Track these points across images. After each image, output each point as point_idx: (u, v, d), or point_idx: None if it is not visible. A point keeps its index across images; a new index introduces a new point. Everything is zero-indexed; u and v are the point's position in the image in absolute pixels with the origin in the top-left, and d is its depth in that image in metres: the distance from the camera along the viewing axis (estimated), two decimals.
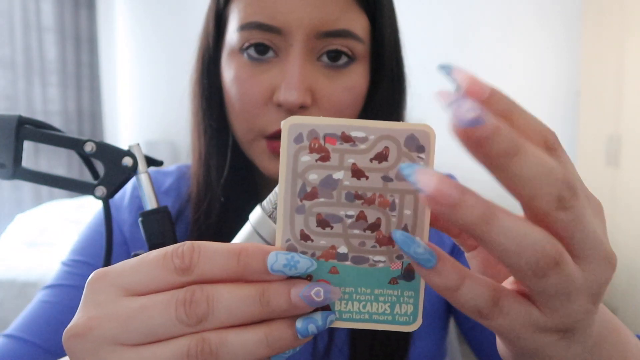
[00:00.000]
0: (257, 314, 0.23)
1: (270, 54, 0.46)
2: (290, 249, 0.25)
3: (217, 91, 0.51)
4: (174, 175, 0.61)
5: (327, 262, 0.25)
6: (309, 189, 0.24)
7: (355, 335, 0.51)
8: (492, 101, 0.21)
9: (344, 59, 0.47)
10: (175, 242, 0.41)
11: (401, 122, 0.24)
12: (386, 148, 0.24)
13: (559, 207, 0.20)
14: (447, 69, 0.22)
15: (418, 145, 0.24)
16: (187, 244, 0.24)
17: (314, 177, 0.24)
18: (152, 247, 0.40)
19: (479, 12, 2.95)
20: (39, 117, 2.86)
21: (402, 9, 0.55)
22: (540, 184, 0.20)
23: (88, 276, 0.52)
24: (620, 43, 2.15)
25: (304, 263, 0.24)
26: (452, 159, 3.16)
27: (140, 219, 0.40)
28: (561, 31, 2.84)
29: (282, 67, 0.46)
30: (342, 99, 0.47)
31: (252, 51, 0.46)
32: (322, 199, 0.24)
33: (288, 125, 0.24)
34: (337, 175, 0.24)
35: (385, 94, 0.51)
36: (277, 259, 0.23)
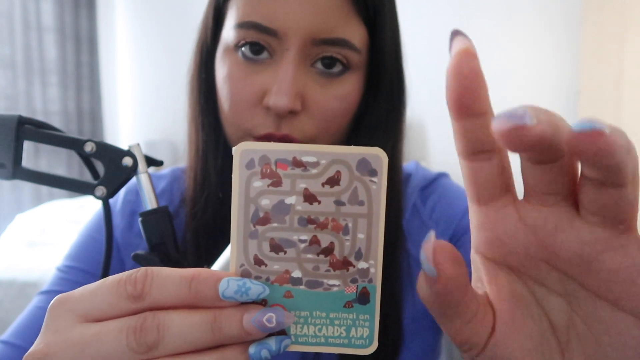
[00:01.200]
0: (209, 341, 0.23)
1: (265, 54, 0.46)
2: (245, 273, 0.25)
3: (214, 86, 0.51)
4: (167, 179, 0.61)
5: (282, 286, 0.25)
6: (261, 214, 0.25)
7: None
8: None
9: (338, 67, 0.47)
10: (175, 242, 0.41)
11: (352, 146, 0.25)
12: (338, 172, 0.24)
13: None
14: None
15: (370, 169, 0.24)
16: (142, 270, 0.24)
17: (266, 202, 0.25)
18: (152, 247, 0.40)
19: (478, 11, 2.95)
20: (39, 117, 2.86)
21: (401, 8, 0.54)
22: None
23: (82, 282, 0.53)
24: (620, 43, 2.15)
25: (255, 289, 0.24)
26: (452, 160, 3.15)
27: (140, 219, 0.40)
28: (561, 31, 2.84)
29: (275, 70, 0.46)
30: (333, 107, 0.47)
31: (247, 50, 0.46)
32: (275, 224, 0.25)
33: (240, 151, 0.24)
34: (290, 200, 0.24)
35: (384, 105, 0.51)
36: (228, 285, 0.23)
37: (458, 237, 0.56)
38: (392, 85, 0.51)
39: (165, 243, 0.40)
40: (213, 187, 0.53)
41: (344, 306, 0.25)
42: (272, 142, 0.25)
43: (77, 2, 3.14)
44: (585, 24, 2.48)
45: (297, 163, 0.24)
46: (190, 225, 0.53)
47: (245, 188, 0.24)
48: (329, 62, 0.46)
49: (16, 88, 2.80)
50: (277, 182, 0.24)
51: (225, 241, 0.33)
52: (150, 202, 0.41)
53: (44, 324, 0.25)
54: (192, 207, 0.53)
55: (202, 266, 0.42)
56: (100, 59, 3.34)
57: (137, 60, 3.44)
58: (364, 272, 0.25)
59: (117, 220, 0.57)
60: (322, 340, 0.25)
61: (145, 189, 0.41)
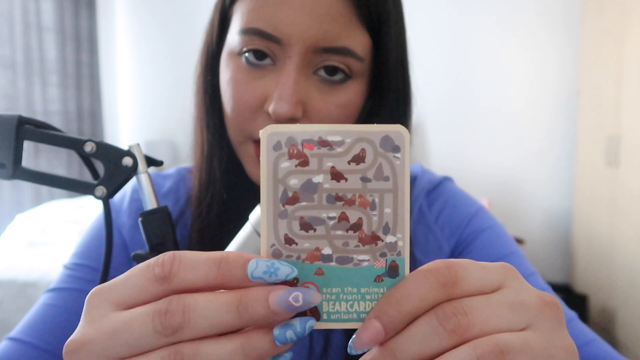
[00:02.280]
0: (235, 323, 0.23)
1: (268, 61, 0.46)
2: (276, 253, 0.25)
3: (219, 88, 0.52)
4: (173, 178, 0.61)
5: (313, 264, 0.26)
6: (290, 194, 0.25)
7: (350, 337, 0.51)
8: (388, 327, 0.24)
9: (340, 75, 0.47)
10: (175, 242, 0.41)
11: (375, 124, 0.25)
12: (363, 150, 0.25)
13: (460, 335, 0.23)
14: (352, 350, 0.25)
15: (393, 146, 0.25)
16: (169, 253, 0.24)
17: (294, 182, 0.25)
18: (152, 247, 0.40)
19: (479, 11, 2.95)
20: (39, 117, 2.86)
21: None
22: (428, 347, 0.23)
23: (90, 279, 0.52)
24: (620, 43, 2.15)
25: (284, 270, 0.24)
26: (451, 162, 3.16)
27: (140, 219, 0.40)
28: (561, 31, 2.84)
29: (277, 76, 0.46)
30: (334, 114, 0.47)
31: (250, 56, 0.46)
32: (303, 203, 0.25)
33: (267, 134, 0.25)
34: (317, 179, 0.25)
35: (389, 112, 0.51)
36: (257, 265, 0.24)
37: (465, 245, 0.56)
38: (398, 91, 0.51)
39: (165, 243, 0.40)
40: (218, 188, 0.53)
41: (374, 280, 0.26)
42: (298, 124, 0.25)
43: (77, 2, 3.14)
44: (585, 24, 2.48)
45: (323, 143, 0.25)
46: (195, 226, 0.53)
47: (273, 169, 0.25)
48: (331, 70, 0.46)
49: (16, 88, 2.80)
50: (304, 162, 0.25)
51: (230, 240, 0.33)
52: (150, 202, 0.41)
53: (82, 314, 0.25)
54: (198, 207, 0.53)
55: None
56: (100, 59, 3.34)
57: (137, 60, 3.44)
58: (392, 246, 0.25)
59: (124, 219, 0.57)
60: (355, 316, 0.26)
61: (145, 189, 0.41)
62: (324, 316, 0.26)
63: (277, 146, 0.25)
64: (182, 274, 0.23)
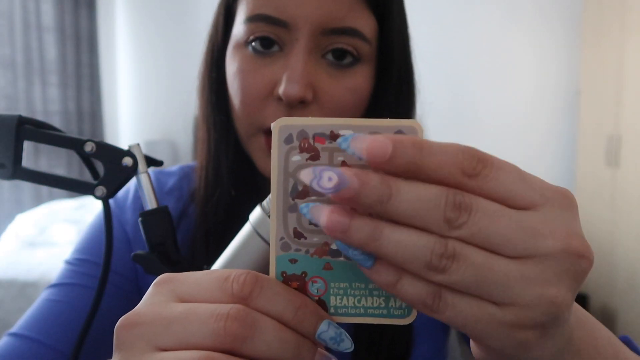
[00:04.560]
0: (285, 358, 0.24)
1: (275, 48, 0.46)
2: (284, 247, 0.25)
3: (225, 84, 0.51)
4: (176, 176, 0.61)
5: (321, 258, 0.25)
6: (300, 188, 0.25)
7: (358, 339, 0.51)
8: (396, 156, 0.21)
9: (348, 59, 0.46)
10: (175, 242, 0.41)
11: (388, 119, 0.25)
12: None
13: (451, 227, 0.21)
14: (345, 143, 0.22)
15: None
16: (252, 274, 0.24)
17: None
18: (152, 247, 0.40)
19: (479, 11, 2.95)
20: (39, 117, 2.86)
21: None
22: (424, 215, 0.21)
23: (93, 274, 0.52)
24: (620, 43, 2.15)
25: (346, 344, 0.25)
26: None
27: (140, 219, 0.40)
28: (561, 31, 2.84)
29: (286, 60, 0.45)
30: (344, 99, 0.47)
31: (257, 44, 0.46)
32: (313, 197, 0.25)
33: (278, 127, 0.25)
34: None
35: (392, 99, 0.51)
36: (327, 329, 0.24)
37: None
38: (401, 78, 0.51)
39: (165, 243, 0.40)
40: (225, 186, 0.52)
41: None
42: (310, 117, 0.25)
43: (77, 2, 3.14)
44: (585, 24, 2.48)
45: (334, 137, 0.25)
46: (201, 226, 0.53)
47: (284, 163, 0.25)
48: (340, 53, 0.46)
49: (16, 88, 2.80)
50: (315, 156, 0.25)
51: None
52: (150, 202, 0.41)
53: (145, 296, 0.25)
54: (204, 207, 0.53)
55: (202, 267, 0.42)
56: (100, 59, 3.34)
57: (137, 60, 3.44)
58: None
59: (128, 215, 0.57)
60: (362, 311, 0.26)
61: (145, 189, 0.41)
62: (332, 310, 0.26)
63: (288, 139, 0.25)
64: (260, 302, 0.24)
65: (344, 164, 0.25)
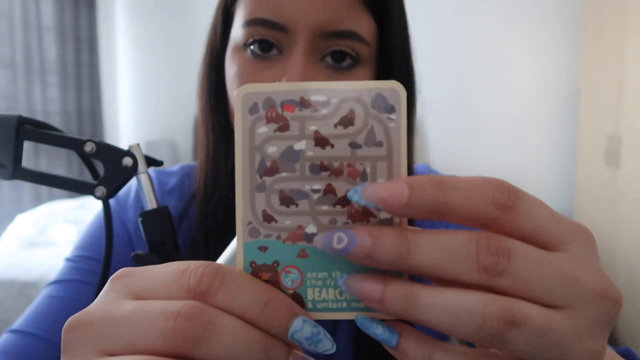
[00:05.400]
0: None
1: (274, 51, 0.46)
2: (253, 232, 0.22)
3: (224, 87, 0.51)
4: (177, 175, 0.61)
5: (295, 244, 0.22)
6: (268, 164, 0.22)
7: (360, 339, 0.51)
8: (415, 199, 0.19)
9: (348, 61, 0.46)
10: (175, 242, 0.41)
11: (366, 81, 0.22)
12: (351, 111, 0.22)
13: (490, 275, 0.19)
14: (356, 195, 0.20)
15: (387, 106, 0.22)
16: (211, 266, 0.21)
17: (273, 149, 0.22)
18: (152, 247, 0.40)
19: (479, 11, 2.94)
20: (39, 117, 2.86)
21: None
22: (452, 265, 0.19)
23: (94, 271, 0.52)
24: (620, 43, 2.15)
25: (325, 344, 0.21)
26: (452, 159, 3.15)
27: (140, 219, 0.40)
28: (561, 31, 2.84)
29: (285, 64, 0.45)
30: None
31: (255, 48, 0.46)
32: (284, 174, 0.22)
33: (241, 95, 0.22)
34: (299, 145, 0.22)
35: None
36: (302, 327, 0.21)
37: None
38: (401, 79, 0.51)
39: (165, 243, 0.40)
40: (224, 188, 0.53)
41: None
42: (277, 83, 0.22)
43: (77, 2, 3.14)
44: (585, 24, 2.48)
45: (305, 103, 0.22)
46: (200, 227, 0.53)
47: (249, 136, 0.22)
48: (339, 56, 0.46)
49: (16, 88, 2.80)
50: (284, 127, 0.22)
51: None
52: (150, 202, 0.41)
53: (101, 292, 0.23)
54: (203, 208, 0.53)
55: None
56: (100, 59, 3.34)
57: (137, 60, 3.44)
58: (387, 223, 0.22)
59: (130, 214, 0.57)
60: (344, 305, 0.22)
61: (145, 189, 0.41)
62: (309, 305, 0.22)
63: (253, 109, 0.22)
64: (220, 297, 0.21)
65: (317, 133, 0.22)
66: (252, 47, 0.46)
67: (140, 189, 0.41)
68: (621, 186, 2.15)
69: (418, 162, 0.64)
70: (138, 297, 0.22)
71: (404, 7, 0.52)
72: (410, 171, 0.54)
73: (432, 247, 0.19)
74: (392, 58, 0.49)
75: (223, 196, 0.53)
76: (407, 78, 0.52)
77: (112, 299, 0.22)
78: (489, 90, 2.95)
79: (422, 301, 0.19)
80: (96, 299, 0.23)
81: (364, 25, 0.46)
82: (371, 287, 0.20)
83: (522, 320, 0.19)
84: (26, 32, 2.84)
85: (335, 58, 0.46)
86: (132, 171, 0.40)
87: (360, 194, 0.20)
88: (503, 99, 2.94)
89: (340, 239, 0.20)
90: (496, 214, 0.20)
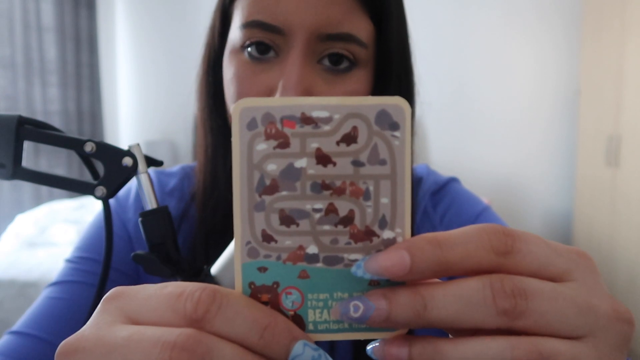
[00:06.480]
0: None
1: (271, 53, 0.46)
2: (252, 253, 0.22)
3: (223, 88, 0.51)
4: (177, 176, 0.61)
5: (295, 265, 0.22)
6: (268, 182, 0.21)
7: (359, 342, 0.51)
8: (418, 264, 0.20)
9: (345, 64, 0.46)
10: (175, 242, 0.41)
11: (369, 97, 0.21)
12: (354, 128, 0.21)
13: (511, 317, 0.19)
14: (359, 270, 0.21)
15: (391, 122, 0.21)
16: (209, 290, 0.20)
17: (272, 167, 0.21)
18: (152, 247, 0.40)
19: (479, 12, 2.95)
20: (39, 117, 2.86)
21: None
22: (471, 313, 0.19)
23: (94, 271, 0.52)
24: (620, 43, 2.15)
25: None
26: (452, 160, 3.15)
27: (140, 219, 0.40)
28: (561, 31, 2.84)
29: (282, 67, 0.45)
30: None
31: (253, 50, 0.46)
32: (284, 193, 0.21)
33: (239, 110, 0.21)
34: (300, 163, 0.21)
35: None
36: (303, 352, 0.20)
37: None
38: (400, 82, 0.51)
39: (165, 243, 0.40)
40: (222, 190, 0.53)
41: (369, 284, 0.22)
42: (277, 97, 0.22)
43: (77, 2, 3.14)
44: (585, 24, 2.48)
45: (306, 119, 0.21)
46: (200, 228, 0.53)
47: (247, 153, 0.21)
48: (336, 58, 0.46)
49: (16, 88, 2.80)
50: (284, 143, 0.21)
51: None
52: (150, 202, 0.41)
53: (93, 314, 0.22)
54: (202, 210, 0.53)
55: (201, 267, 0.42)
56: (100, 59, 3.34)
57: (137, 60, 3.44)
58: (390, 243, 0.21)
59: (130, 214, 0.57)
60: (346, 325, 0.22)
61: (145, 189, 0.41)
62: (310, 326, 0.22)
63: (251, 124, 0.21)
64: (218, 324, 0.20)
65: (318, 151, 0.21)
66: (249, 49, 0.46)
67: (140, 189, 0.41)
68: (621, 186, 2.15)
69: (418, 162, 0.64)
70: (132, 320, 0.21)
71: (404, 9, 0.52)
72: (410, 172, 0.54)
73: (447, 300, 0.20)
74: (390, 60, 0.49)
75: (222, 197, 0.53)
76: (405, 78, 0.52)
77: (105, 323, 0.21)
78: (489, 91, 2.95)
79: (449, 356, 0.20)
80: (89, 321, 0.22)
81: (362, 28, 0.46)
82: (397, 351, 0.20)
83: (551, 358, 0.19)
84: (26, 32, 2.84)
85: (333, 60, 0.46)
86: (132, 171, 0.40)
87: (364, 269, 0.20)
88: (503, 99, 2.94)
89: (356, 307, 0.20)
90: (499, 260, 0.20)
